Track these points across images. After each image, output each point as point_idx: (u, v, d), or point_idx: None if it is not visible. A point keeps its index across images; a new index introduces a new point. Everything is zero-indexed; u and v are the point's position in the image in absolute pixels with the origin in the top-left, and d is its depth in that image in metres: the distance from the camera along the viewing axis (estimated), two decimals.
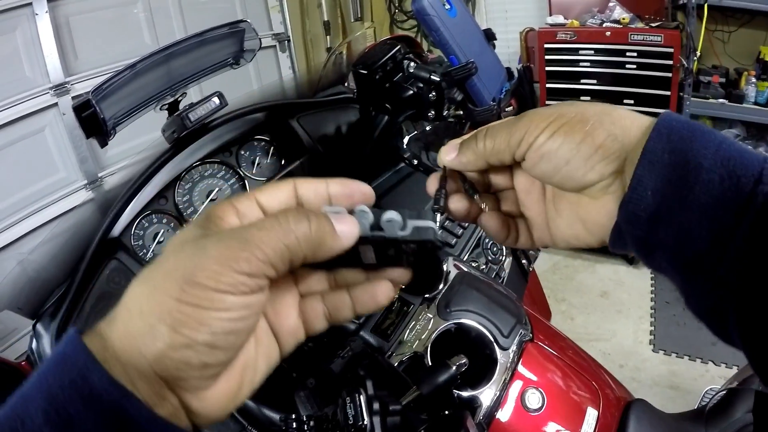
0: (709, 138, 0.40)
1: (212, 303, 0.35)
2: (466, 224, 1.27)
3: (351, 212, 0.42)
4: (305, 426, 0.59)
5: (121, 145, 2.75)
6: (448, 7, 1.08)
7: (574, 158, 0.44)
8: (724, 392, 1.15)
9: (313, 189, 0.44)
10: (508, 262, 1.35)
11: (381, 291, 0.46)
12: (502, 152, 0.48)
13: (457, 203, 0.52)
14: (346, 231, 0.41)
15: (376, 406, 0.60)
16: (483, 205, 0.52)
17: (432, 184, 0.51)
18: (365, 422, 0.59)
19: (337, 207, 0.42)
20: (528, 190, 0.53)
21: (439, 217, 0.49)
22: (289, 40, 4.22)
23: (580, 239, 0.49)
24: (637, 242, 0.42)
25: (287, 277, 0.44)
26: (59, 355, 0.35)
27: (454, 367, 0.72)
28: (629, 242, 0.43)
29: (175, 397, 0.37)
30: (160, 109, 1.07)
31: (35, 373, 0.35)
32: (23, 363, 0.96)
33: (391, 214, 0.42)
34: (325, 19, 4.27)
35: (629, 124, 0.43)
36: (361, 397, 0.60)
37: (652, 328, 2.91)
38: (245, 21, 1.11)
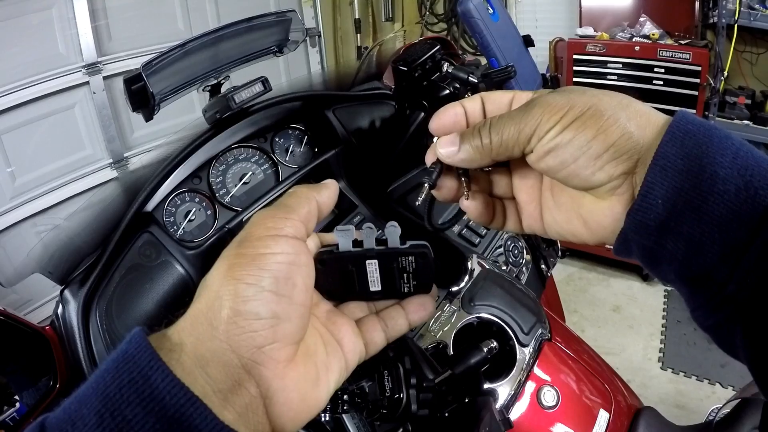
0: (725, 144, 0.38)
1: (267, 247, 0.39)
2: None
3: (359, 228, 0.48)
4: (338, 399, 0.62)
5: (148, 128, 2.80)
6: (491, 11, 1.10)
7: (583, 156, 0.41)
8: (735, 404, 1.16)
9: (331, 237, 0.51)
10: (528, 266, 1.36)
11: (427, 302, 0.51)
12: (511, 148, 0.44)
13: (448, 182, 0.50)
14: (331, 182, 0.49)
15: (413, 380, 0.63)
16: (466, 192, 0.50)
17: (431, 158, 0.50)
18: (402, 395, 0.62)
19: (348, 226, 0.48)
20: (523, 174, 0.50)
21: (425, 191, 0.50)
22: (320, 36, 4.25)
23: (577, 236, 0.47)
24: (644, 252, 0.41)
25: (335, 307, 0.50)
26: (121, 353, 0.34)
27: (485, 350, 0.74)
28: (635, 251, 0.41)
29: (253, 384, 0.37)
30: (203, 90, 1.09)
31: (94, 373, 0.34)
32: (47, 327, 0.97)
33: (392, 222, 0.48)
34: (356, 17, 4.30)
35: (645, 122, 0.40)
36: (400, 371, 0.63)
37: (662, 345, 2.90)
38: (293, 11, 1.14)
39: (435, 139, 0.49)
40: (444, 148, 0.47)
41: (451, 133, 0.48)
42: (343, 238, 0.47)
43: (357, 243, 0.48)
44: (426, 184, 0.50)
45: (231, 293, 0.37)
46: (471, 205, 0.51)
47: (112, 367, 0.34)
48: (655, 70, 3.01)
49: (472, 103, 0.49)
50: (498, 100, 0.49)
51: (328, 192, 0.48)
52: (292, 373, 0.39)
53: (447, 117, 0.49)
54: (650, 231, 0.39)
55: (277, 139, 1.23)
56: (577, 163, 0.41)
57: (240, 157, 1.19)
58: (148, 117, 1.00)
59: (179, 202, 1.11)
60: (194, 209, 1.12)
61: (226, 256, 0.40)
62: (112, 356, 0.35)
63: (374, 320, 0.49)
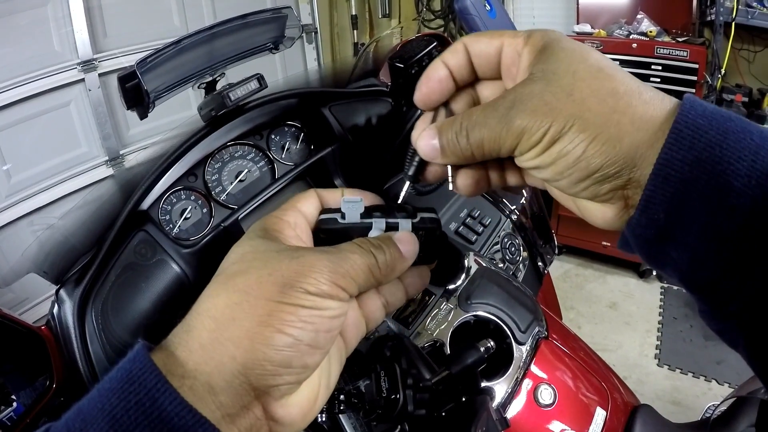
0: (743, 143, 0.33)
1: (314, 304, 0.37)
2: (487, 223, 1.29)
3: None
4: (335, 399, 0.61)
5: (144, 125, 2.79)
6: (488, 8, 1.09)
7: (564, 180, 0.39)
8: (730, 402, 1.16)
9: (332, 197, 0.49)
10: (525, 263, 1.36)
11: (424, 272, 0.50)
12: (494, 151, 0.41)
13: (433, 168, 0.48)
14: (410, 251, 0.45)
15: (409, 381, 0.63)
16: (450, 180, 0.47)
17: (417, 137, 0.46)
18: (399, 395, 0.62)
19: (355, 198, 0.47)
20: None
21: (406, 186, 0.49)
22: (316, 32, 4.25)
23: (576, 214, 0.44)
24: (647, 256, 0.38)
25: None
26: (124, 372, 0.33)
27: (482, 349, 0.74)
28: (636, 252, 0.39)
29: (259, 407, 0.36)
30: (198, 87, 1.08)
31: (95, 390, 0.34)
32: (43, 327, 0.96)
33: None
34: (353, 13, 4.29)
35: (642, 128, 0.36)
36: (397, 371, 0.63)
37: (659, 342, 2.91)
38: (288, 7, 1.13)
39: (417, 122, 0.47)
40: (424, 148, 0.44)
41: (429, 131, 0.44)
42: (350, 210, 0.46)
43: (363, 214, 0.46)
44: (407, 182, 0.49)
45: (266, 340, 0.35)
46: (461, 187, 0.47)
47: (117, 387, 0.33)
48: (653, 67, 3.01)
49: (455, 58, 0.45)
50: (485, 52, 0.44)
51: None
52: (296, 398, 0.38)
53: (432, 84, 0.45)
54: (651, 243, 0.36)
55: (273, 137, 1.22)
56: (559, 183, 0.40)
57: (236, 155, 1.18)
58: (143, 115, 0.99)
59: (175, 200, 1.10)
60: (190, 207, 1.10)
61: (265, 298, 0.36)
62: (116, 374, 0.34)
63: (374, 294, 0.47)
